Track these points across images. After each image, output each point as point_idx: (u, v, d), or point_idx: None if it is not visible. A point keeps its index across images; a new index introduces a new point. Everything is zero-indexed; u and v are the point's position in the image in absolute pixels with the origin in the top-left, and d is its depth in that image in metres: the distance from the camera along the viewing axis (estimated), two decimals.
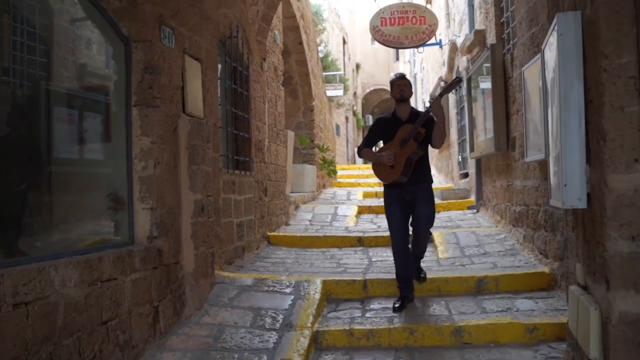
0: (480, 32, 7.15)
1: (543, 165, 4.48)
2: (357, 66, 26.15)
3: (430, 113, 4.19)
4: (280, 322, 3.95)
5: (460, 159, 10.05)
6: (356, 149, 4.67)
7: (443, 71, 11.34)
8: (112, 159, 3.70)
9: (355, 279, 4.78)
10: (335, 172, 12.17)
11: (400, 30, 9.69)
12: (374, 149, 4.66)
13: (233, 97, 5.93)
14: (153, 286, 3.54)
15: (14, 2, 3.13)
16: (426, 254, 4.70)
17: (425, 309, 4.28)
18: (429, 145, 4.32)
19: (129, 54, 3.64)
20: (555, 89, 2.64)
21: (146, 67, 3.67)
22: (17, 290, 2.38)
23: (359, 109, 26.09)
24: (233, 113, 5.92)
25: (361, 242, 6.61)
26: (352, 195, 10.51)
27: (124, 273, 3.21)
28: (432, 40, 10.37)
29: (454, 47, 9.84)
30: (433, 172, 13.51)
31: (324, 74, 14.76)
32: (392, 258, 4.45)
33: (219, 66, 5.29)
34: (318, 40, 14.47)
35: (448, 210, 8.61)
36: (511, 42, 5.97)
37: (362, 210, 8.74)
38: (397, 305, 4.26)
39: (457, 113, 10.12)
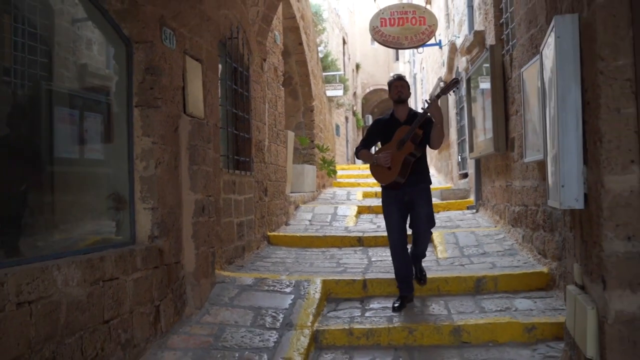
0: (480, 32, 7.18)
1: (542, 165, 4.50)
2: (357, 66, 26.18)
3: (428, 114, 4.19)
4: (281, 321, 3.97)
5: (459, 159, 10.08)
6: (355, 149, 4.67)
7: (443, 71, 11.37)
8: (113, 159, 3.72)
9: (355, 278, 4.81)
10: (335, 172, 12.20)
11: (400, 30, 9.71)
12: (373, 149, 4.68)
13: (233, 97, 5.95)
14: (154, 285, 3.56)
15: (16, 3, 3.15)
16: (426, 253, 4.69)
17: (424, 309, 4.31)
18: (427, 146, 4.34)
19: (130, 55, 3.66)
20: (552, 91, 2.67)
21: (147, 67, 3.69)
22: (21, 290, 2.41)
23: (358, 109, 26.11)
24: (233, 113, 5.95)
25: (361, 242, 6.64)
26: (352, 195, 10.54)
27: (125, 272, 3.24)
28: (432, 41, 10.40)
29: (453, 48, 9.87)
30: (432, 172, 13.51)
31: (324, 74, 14.79)
32: (391, 258, 4.47)
33: (220, 67, 5.31)
34: (318, 41, 14.50)
35: (447, 210, 8.64)
36: (510, 43, 6.00)
37: (361, 210, 8.76)
38: (396, 305, 4.29)
39: (456, 113, 10.15)
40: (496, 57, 6.18)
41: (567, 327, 2.92)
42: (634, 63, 2.13)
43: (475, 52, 7.58)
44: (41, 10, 3.34)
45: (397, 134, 4.26)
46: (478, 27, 7.51)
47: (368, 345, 3.86)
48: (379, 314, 4.26)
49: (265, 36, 6.91)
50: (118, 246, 3.40)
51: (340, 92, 17.51)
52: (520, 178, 5.53)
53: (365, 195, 10.34)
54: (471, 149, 7.89)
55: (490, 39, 6.70)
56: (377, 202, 8.90)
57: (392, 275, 4.51)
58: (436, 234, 6.43)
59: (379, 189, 4.57)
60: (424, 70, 16.43)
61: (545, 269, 4.71)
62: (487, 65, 6.39)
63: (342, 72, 19.36)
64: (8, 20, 3.08)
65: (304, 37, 10.16)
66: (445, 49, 10.84)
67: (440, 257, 5.73)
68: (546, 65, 2.97)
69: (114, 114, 3.72)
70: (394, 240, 4.34)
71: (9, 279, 2.35)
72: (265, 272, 5.27)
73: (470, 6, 8.01)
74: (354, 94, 24.51)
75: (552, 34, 2.59)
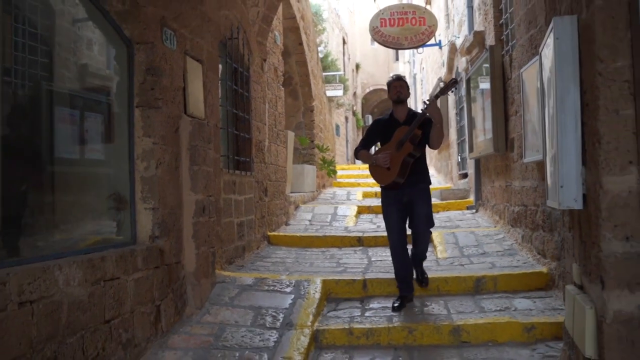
0: (480, 33, 7.20)
1: (541, 166, 4.52)
2: (357, 66, 26.20)
3: (427, 114, 4.19)
4: (281, 321, 3.99)
5: (459, 159, 10.10)
6: (354, 150, 4.68)
7: (442, 72, 11.39)
8: (114, 160, 3.74)
9: (355, 278, 4.82)
10: (335, 172, 12.21)
11: (400, 31, 9.72)
12: (373, 149, 4.68)
13: (234, 97, 5.97)
14: (155, 285, 3.58)
15: (17, 3, 3.16)
16: (426, 255, 4.69)
17: (424, 309, 4.32)
18: (427, 146, 4.35)
19: (132, 56, 3.68)
20: (552, 91, 2.68)
21: (148, 68, 3.71)
22: (23, 289, 2.42)
23: (358, 109, 26.13)
24: (234, 114, 5.96)
25: (361, 242, 6.66)
26: (352, 195, 10.56)
27: (126, 272, 3.25)
28: (432, 41, 10.41)
29: (453, 48, 9.89)
30: (432, 172, 13.53)
31: (324, 74, 14.81)
32: (391, 258, 4.49)
33: (220, 67, 5.33)
34: (318, 41, 14.51)
35: (447, 210, 8.65)
36: (510, 44, 6.01)
37: (361, 210, 8.78)
38: (396, 305, 4.30)
39: (456, 113, 10.17)
40: (496, 58, 6.19)
41: (566, 326, 2.94)
42: (632, 65, 2.15)
43: (475, 52, 7.59)
44: (42, 10, 3.35)
45: (396, 135, 4.27)
46: (478, 27, 7.52)
47: (368, 345, 3.87)
48: (378, 313, 4.28)
49: (266, 36, 6.93)
50: (119, 246, 3.42)
51: (340, 92, 17.53)
52: (519, 178, 5.55)
53: (365, 195, 10.36)
54: (471, 149, 7.91)
55: (490, 40, 6.72)
56: (377, 202, 8.90)
57: (392, 275, 4.52)
58: (436, 234, 6.45)
59: (378, 189, 4.58)
60: (423, 71, 16.45)
61: (544, 269, 4.72)
62: (487, 65, 6.41)
63: (342, 72, 19.38)
64: (9, 20, 3.09)
65: (304, 37, 10.18)
66: (445, 49, 10.86)
67: (440, 257, 5.74)
68: (545, 66, 2.98)
69: (115, 115, 3.74)
70: (394, 240, 4.35)
71: (11, 279, 2.36)
72: (266, 272, 5.29)
73: (470, 7, 8.03)
74: (354, 94, 24.53)
75: (551, 35, 2.60)
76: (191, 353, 3.48)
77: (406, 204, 4.31)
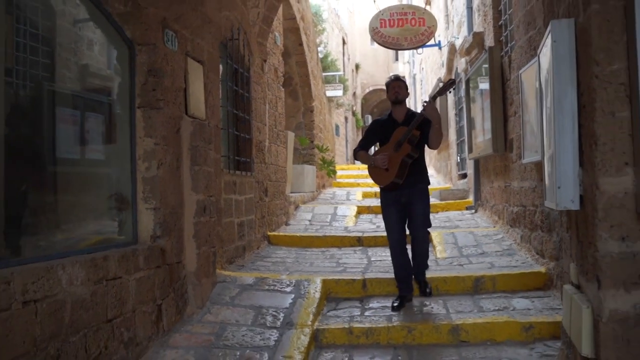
0: (479, 34, 7.23)
1: (540, 166, 4.54)
2: (357, 66, 26.24)
3: (425, 115, 4.19)
4: (281, 320, 4.02)
5: (458, 160, 10.13)
6: (353, 151, 4.70)
7: (442, 72, 11.42)
8: (116, 160, 3.77)
9: (355, 278, 4.85)
10: (334, 172, 12.25)
11: (400, 31, 9.75)
12: (372, 149, 4.70)
13: (234, 98, 6.00)
14: (156, 285, 3.61)
15: (18, 4, 3.19)
16: (428, 264, 4.62)
17: (423, 308, 4.35)
18: (426, 147, 4.36)
19: (133, 57, 3.71)
20: (549, 93, 2.72)
21: (150, 69, 3.73)
22: (27, 288, 2.45)
23: (358, 109, 26.17)
24: (234, 114, 5.99)
25: (360, 241, 6.69)
26: (352, 195, 10.59)
27: (128, 272, 3.28)
28: (431, 42, 10.45)
29: (452, 49, 9.92)
30: (431, 172, 13.54)
31: (324, 74, 14.84)
32: (391, 258, 4.51)
33: (221, 68, 5.36)
34: (318, 41, 14.54)
35: (446, 210, 8.68)
36: (509, 45, 6.05)
37: (361, 211, 8.81)
38: (395, 304, 4.33)
39: (455, 114, 10.20)
40: (495, 59, 6.22)
41: (564, 325, 2.97)
42: (628, 67, 2.18)
43: (474, 53, 7.63)
44: (44, 11, 3.38)
45: (395, 135, 4.27)
46: (477, 28, 7.56)
47: (367, 344, 3.90)
48: (378, 313, 4.31)
49: (266, 37, 6.96)
50: (121, 246, 3.45)
51: (339, 93, 17.56)
52: (518, 179, 5.58)
53: (365, 195, 10.39)
54: (470, 150, 7.94)
55: (489, 41, 6.75)
56: (377, 202, 8.92)
57: (392, 275, 4.55)
58: (435, 234, 6.48)
59: (378, 189, 4.61)
60: (423, 71, 16.48)
61: (543, 269, 4.75)
62: (486, 66, 6.44)
63: (341, 73, 19.41)
64: (10, 20, 3.12)
65: (304, 38, 10.21)
66: (445, 49, 10.89)
67: (439, 257, 5.77)
68: (543, 68, 3.02)
69: (116, 115, 3.77)
70: (393, 241, 4.38)
71: (15, 278, 2.39)
72: (266, 272, 5.32)
73: (469, 8, 8.06)
74: (354, 94, 24.57)
75: (549, 38, 2.63)
76: (192, 352, 3.51)
77: (405, 204, 4.32)
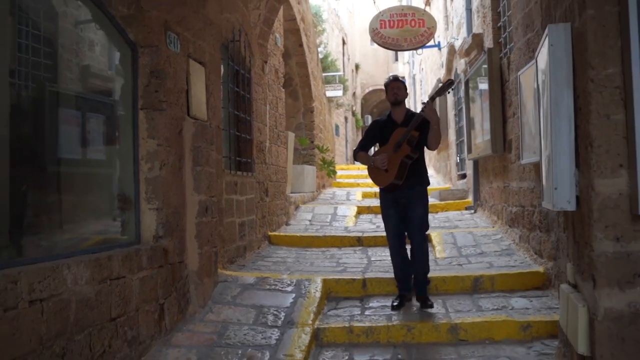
0: (478, 35, 7.27)
1: (538, 167, 4.59)
2: (357, 66, 26.27)
3: (423, 115, 4.19)
4: (282, 319, 4.06)
5: (458, 160, 10.17)
6: (352, 152, 4.71)
7: (441, 73, 11.47)
8: (119, 161, 3.81)
9: (355, 277, 4.90)
10: (334, 172, 12.29)
11: (400, 32, 9.80)
12: (372, 149, 4.73)
13: (235, 99, 6.04)
14: (159, 284, 3.65)
15: (20, 5, 3.23)
16: (428, 278, 4.45)
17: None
18: (425, 147, 4.39)
19: (136, 59, 3.75)
20: (546, 95, 2.76)
21: (152, 71, 3.78)
22: (33, 288, 2.50)
23: (358, 109, 26.21)
24: (235, 115, 6.04)
25: (360, 241, 6.73)
26: (352, 195, 10.63)
27: (131, 271, 3.33)
28: (431, 43, 10.49)
29: (452, 50, 9.97)
30: (431, 172, 13.56)
31: (324, 74, 14.88)
32: (390, 258, 4.55)
33: (222, 69, 5.40)
34: (318, 41, 14.58)
35: (446, 210, 8.73)
36: (508, 47, 6.09)
37: (361, 211, 8.85)
38: (395, 304, 4.37)
39: (455, 114, 10.25)
40: (494, 60, 6.27)
41: (561, 324, 3.02)
42: (623, 71, 2.23)
43: (473, 54, 7.67)
44: (46, 13, 3.43)
45: (394, 136, 4.27)
46: (476, 29, 7.60)
47: (368, 343, 3.95)
48: (378, 312, 4.35)
49: (267, 38, 7.00)
50: (124, 246, 3.49)
51: (339, 93, 17.59)
52: (517, 179, 5.62)
53: (365, 195, 10.43)
54: (469, 150, 7.99)
55: (488, 42, 6.80)
56: (377, 202, 8.93)
57: (391, 275, 4.59)
58: (435, 234, 6.53)
59: (378, 189, 4.64)
60: (423, 71, 16.53)
61: (541, 269, 4.80)
62: (486, 67, 6.48)
63: (341, 73, 19.44)
64: (11, 20, 3.16)
65: (304, 38, 10.25)
66: (444, 50, 10.94)
67: (438, 257, 5.82)
68: (540, 71, 3.06)
69: (120, 117, 3.81)
70: (393, 241, 4.40)
71: (22, 278, 2.43)
72: (267, 272, 5.36)
73: (468, 9, 8.11)
74: (354, 94, 24.61)
75: (546, 42, 2.68)
76: (195, 350, 3.56)
77: (404, 205, 4.32)
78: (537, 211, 4.92)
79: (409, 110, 4.49)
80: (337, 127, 18.28)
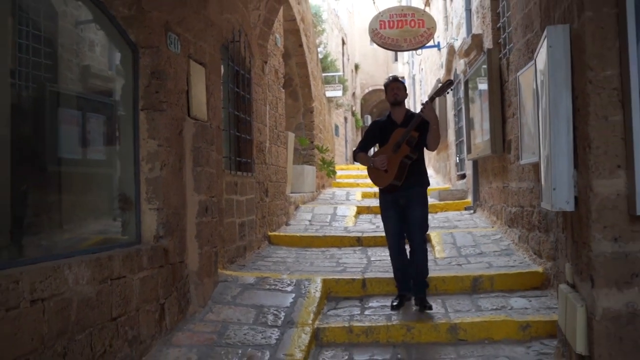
0: (478, 36, 7.29)
1: (537, 167, 4.60)
2: (356, 66, 26.29)
3: (423, 116, 4.19)
4: (282, 319, 4.08)
5: (457, 160, 10.19)
6: (352, 152, 4.72)
7: (441, 73, 11.48)
8: (120, 161, 3.83)
9: (355, 277, 4.91)
10: (334, 172, 12.31)
11: (399, 33, 9.82)
12: (372, 149, 4.74)
13: (235, 100, 6.06)
14: (159, 284, 3.67)
15: (21, 5, 3.24)
16: (427, 282, 4.41)
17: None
18: (425, 148, 4.40)
19: (137, 60, 3.76)
20: (545, 96, 2.78)
21: (153, 72, 3.79)
22: (35, 287, 2.51)
23: (357, 109, 26.22)
24: (235, 115, 6.05)
25: (360, 242, 6.75)
26: (351, 195, 10.65)
27: (132, 271, 3.34)
28: (431, 43, 10.51)
29: (452, 50, 9.99)
30: (431, 172, 13.57)
31: (323, 74, 14.90)
32: (390, 258, 4.56)
33: (222, 70, 5.41)
34: (317, 42, 14.60)
35: (445, 210, 8.74)
36: (507, 47, 6.11)
37: (360, 211, 8.86)
38: (395, 304, 4.38)
39: (454, 115, 10.26)
40: (493, 61, 6.28)
41: (559, 324, 3.04)
42: (620, 73, 2.24)
43: (473, 55, 7.69)
44: (46, 14, 3.44)
45: (394, 137, 4.27)
46: (476, 30, 7.62)
47: (367, 343, 3.96)
48: (378, 312, 4.37)
49: (267, 39, 7.02)
50: (125, 246, 3.50)
51: (339, 93, 17.61)
52: (516, 179, 5.64)
53: (365, 195, 10.45)
54: (469, 150, 8.00)
55: (487, 43, 6.81)
56: (376, 202, 8.95)
57: (391, 275, 4.60)
58: (434, 234, 6.55)
59: (377, 190, 4.65)
60: (422, 72, 16.54)
61: (540, 269, 4.82)
62: (485, 67, 6.50)
63: (341, 73, 19.46)
64: (11, 21, 3.18)
65: (304, 39, 10.27)
66: (444, 51, 10.95)
67: (438, 257, 5.83)
68: (539, 72, 3.08)
69: (121, 117, 3.83)
70: (392, 242, 4.41)
71: (24, 277, 2.45)
72: (267, 271, 5.38)
73: (468, 10, 8.12)
74: (353, 94, 24.62)
75: (545, 43, 2.70)
76: (195, 350, 3.57)
77: (403, 206, 4.32)
78: (536, 211, 4.93)
79: (408, 111, 4.49)
80: (336, 127, 18.29)
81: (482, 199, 7.83)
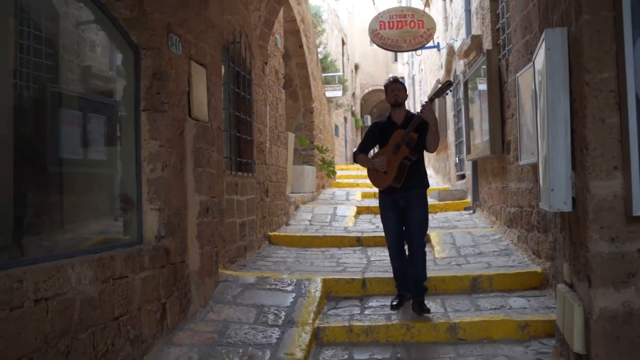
0: (477, 37, 7.32)
1: (536, 168, 4.62)
2: (356, 67, 26.32)
3: (422, 117, 4.20)
4: (283, 318, 4.10)
5: (457, 161, 10.22)
6: (352, 154, 4.73)
7: (441, 74, 11.51)
8: (122, 162, 3.85)
9: (355, 277, 4.94)
10: (334, 172, 12.34)
11: (399, 33, 9.84)
12: (373, 151, 4.76)
13: (236, 100, 6.08)
14: (161, 284, 3.69)
15: (22, 6, 3.27)
16: (426, 285, 4.36)
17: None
18: (425, 151, 4.41)
19: (138, 61, 3.79)
20: (543, 98, 2.81)
21: (154, 73, 3.81)
22: (38, 287, 2.53)
23: (357, 109, 26.25)
24: (236, 116, 6.08)
25: (360, 241, 6.77)
26: (351, 195, 10.67)
27: (134, 271, 3.37)
28: (430, 44, 10.54)
29: (451, 51, 10.01)
30: (430, 173, 13.59)
31: (323, 75, 14.92)
32: (389, 259, 4.58)
33: (223, 71, 5.44)
34: (317, 42, 14.62)
35: (445, 211, 8.77)
36: (506, 48, 6.13)
37: (360, 211, 8.89)
38: (394, 303, 4.40)
39: (454, 115, 10.29)
40: (493, 62, 6.31)
41: (557, 323, 3.07)
42: (617, 76, 2.27)
43: (472, 55, 7.72)
44: (48, 15, 3.47)
45: (393, 138, 4.27)
46: (475, 31, 7.65)
47: (367, 342, 3.99)
48: (377, 311, 4.40)
49: (267, 40, 7.04)
50: (126, 246, 3.53)
51: (339, 93, 17.63)
52: (515, 180, 5.67)
53: (364, 195, 10.47)
54: (468, 151, 8.03)
55: (487, 44, 6.84)
56: (376, 202, 8.96)
57: (391, 275, 4.62)
58: (434, 234, 6.58)
59: (377, 190, 4.67)
60: (422, 72, 16.57)
61: (539, 269, 4.84)
62: (484, 68, 6.52)
63: (341, 73, 19.48)
64: (14, 22, 3.20)
65: (304, 39, 10.29)
66: (444, 51, 10.98)
67: (437, 257, 5.86)
68: (537, 74, 3.11)
69: (122, 118, 3.85)
70: (392, 243, 4.43)
71: (27, 277, 2.47)
72: (267, 271, 5.40)
73: (467, 10, 8.15)
74: (353, 94, 24.65)
75: (543, 45, 2.72)
76: (196, 349, 3.60)
77: (403, 207, 4.32)
78: (535, 212, 4.96)
79: (408, 112, 4.49)
80: (336, 127, 18.32)
81: (481, 199, 7.85)
